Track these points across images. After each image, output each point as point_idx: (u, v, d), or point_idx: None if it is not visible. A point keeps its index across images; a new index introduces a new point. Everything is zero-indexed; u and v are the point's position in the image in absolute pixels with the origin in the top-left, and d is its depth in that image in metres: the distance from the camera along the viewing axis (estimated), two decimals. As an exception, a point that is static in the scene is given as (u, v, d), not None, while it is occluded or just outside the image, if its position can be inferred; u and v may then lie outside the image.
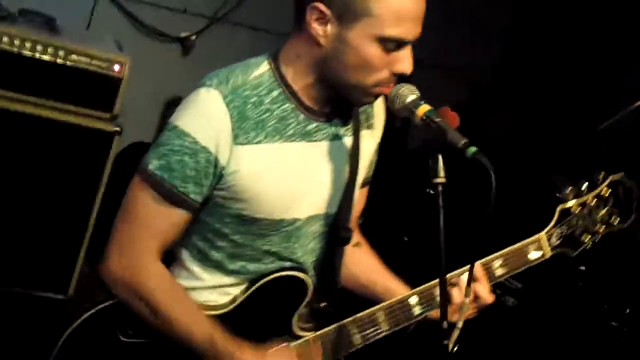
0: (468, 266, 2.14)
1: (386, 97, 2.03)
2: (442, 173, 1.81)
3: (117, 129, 3.53)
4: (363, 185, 2.28)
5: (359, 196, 2.26)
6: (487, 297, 2.16)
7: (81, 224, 3.60)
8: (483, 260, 2.19)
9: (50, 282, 3.61)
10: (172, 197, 1.92)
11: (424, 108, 1.88)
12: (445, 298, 1.82)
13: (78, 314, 2.05)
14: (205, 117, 1.90)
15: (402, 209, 4.85)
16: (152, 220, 1.95)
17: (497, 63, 5.74)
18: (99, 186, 3.58)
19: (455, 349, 1.89)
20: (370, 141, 2.23)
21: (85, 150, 3.52)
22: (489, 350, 3.93)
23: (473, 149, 1.79)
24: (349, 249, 2.28)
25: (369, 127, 2.21)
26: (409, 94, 1.92)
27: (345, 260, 2.26)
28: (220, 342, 1.98)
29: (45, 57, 3.37)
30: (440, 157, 1.82)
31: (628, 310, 3.84)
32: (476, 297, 2.16)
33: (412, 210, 4.85)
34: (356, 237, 2.35)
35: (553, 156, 5.05)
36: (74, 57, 3.41)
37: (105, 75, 3.47)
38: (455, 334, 1.89)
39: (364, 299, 2.31)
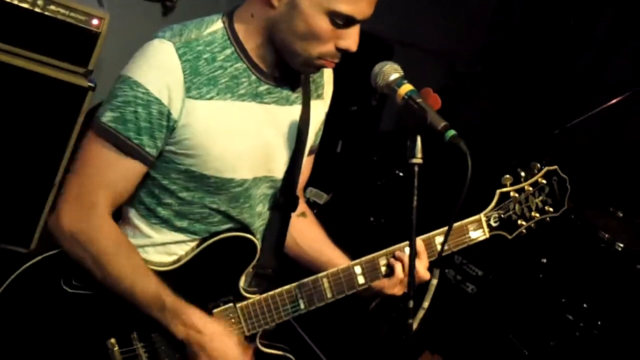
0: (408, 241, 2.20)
1: (330, 71, 2.01)
2: (419, 154, 1.82)
3: (91, 84, 3.48)
4: (310, 153, 2.29)
5: (306, 164, 2.27)
6: (424, 273, 2.17)
7: (47, 179, 3.56)
8: (425, 235, 2.23)
9: (13, 235, 3.57)
10: (127, 148, 1.92)
11: (407, 87, 1.89)
12: (413, 278, 1.83)
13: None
14: (157, 68, 1.90)
15: (370, 189, 4.86)
16: (105, 172, 1.95)
17: (483, 51, 5.76)
18: (67, 142, 3.53)
19: (414, 328, 1.89)
20: (319, 110, 2.25)
21: (57, 103, 3.46)
22: (447, 334, 3.96)
23: (452, 132, 1.80)
24: (294, 219, 2.29)
25: (319, 96, 2.23)
26: (393, 72, 1.92)
27: (290, 229, 2.29)
28: (168, 299, 1.98)
29: (24, 5, 3.30)
30: (418, 138, 1.82)
31: (585, 306, 3.89)
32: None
33: (380, 191, 4.87)
34: (301, 206, 2.37)
35: (522, 149, 5.09)
36: (52, 7, 3.35)
37: (83, 28, 3.42)
38: (420, 314, 1.91)
39: (306, 267, 2.34)
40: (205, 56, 1.95)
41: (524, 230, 2.38)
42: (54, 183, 3.56)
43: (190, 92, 1.92)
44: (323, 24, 1.90)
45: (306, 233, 2.37)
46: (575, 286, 3.99)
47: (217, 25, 2.01)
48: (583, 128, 4.47)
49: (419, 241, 2.20)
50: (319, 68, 2.02)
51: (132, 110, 1.89)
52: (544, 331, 3.94)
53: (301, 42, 1.93)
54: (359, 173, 4.82)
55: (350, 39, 1.94)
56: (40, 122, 3.48)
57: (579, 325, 3.86)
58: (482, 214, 2.32)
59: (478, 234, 2.31)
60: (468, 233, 2.30)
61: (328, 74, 2.26)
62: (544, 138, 4.64)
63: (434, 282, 1.88)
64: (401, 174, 4.77)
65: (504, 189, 2.35)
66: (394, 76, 1.91)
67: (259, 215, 2.17)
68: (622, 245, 3.86)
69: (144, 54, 1.93)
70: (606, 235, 3.90)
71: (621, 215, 4.20)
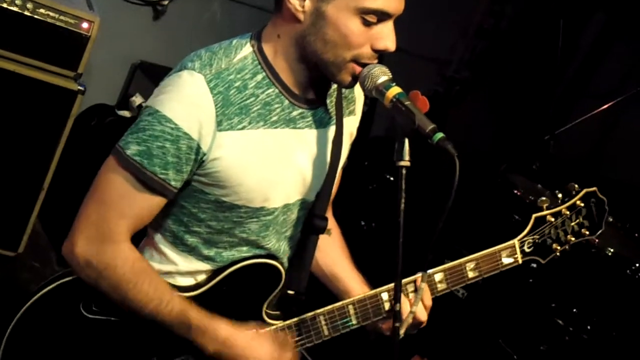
0: (444, 265, 2.21)
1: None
2: (407, 157, 1.79)
3: (81, 88, 3.48)
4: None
5: (336, 179, 2.23)
6: (421, 315, 2.13)
7: (36, 182, 3.55)
8: (456, 262, 2.21)
9: (1, 238, 3.55)
10: (152, 184, 1.86)
11: (395, 90, 1.85)
12: (400, 279, 1.82)
13: (39, 288, 2.00)
14: (188, 103, 1.83)
15: (361, 194, 4.85)
16: (127, 204, 1.89)
17: (472, 57, 5.77)
18: (57, 145, 3.53)
19: (402, 332, 1.88)
20: (351, 126, 2.20)
21: (46, 107, 3.46)
22: (437, 339, 3.95)
23: (440, 134, 1.77)
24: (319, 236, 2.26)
25: (351, 112, 2.18)
26: (381, 74, 1.87)
27: None
28: (194, 317, 1.94)
29: (13, 9, 3.30)
30: (406, 141, 1.79)
31: (575, 310, 3.89)
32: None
33: (371, 195, 4.86)
34: (329, 222, 2.32)
35: (513, 154, 5.10)
36: (42, 10, 3.34)
37: (72, 32, 3.41)
38: (410, 317, 1.89)
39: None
40: (236, 84, 1.88)
41: (558, 254, 2.33)
42: (42, 187, 3.55)
43: (222, 125, 1.85)
44: (354, 25, 1.82)
45: (328, 253, 2.31)
46: (565, 291, 3.98)
47: (247, 49, 1.93)
48: (573, 134, 4.49)
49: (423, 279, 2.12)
50: (355, 77, 1.91)
51: (160, 145, 1.82)
52: (534, 336, 3.93)
53: (334, 49, 1.85)
54: (350, 178, 4.82)
55: (387, 38, 1.85)
56: (29, 126, 3.47)
57: (569, 329, 3.85)
58: (516, 240, 2.28)
59: (511, 260, 2.27)
60: (501, 259, 2.26)
61: (358, 87, 2.13)
62: (533, 144, 4.65)
63: (423, 285, 1.87)
64: (392, 178, 4.76)
65: (540, 214, 2.29)
66: (382, 79, 1.87)
67: (287, 239, 2.12)
68: (612, 250, 3.86)
69: (173, 86, 1.86)
70: (596, 240, 3.89)
71: (611, 220, 4.19)
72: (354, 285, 2.24)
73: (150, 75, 4.31)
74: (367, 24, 1.83)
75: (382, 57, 1.93)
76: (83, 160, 3.65)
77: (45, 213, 3.70)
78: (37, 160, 3.53)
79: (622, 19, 5.38)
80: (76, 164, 3.72)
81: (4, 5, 3.28)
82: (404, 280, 2.11)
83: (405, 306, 2.07)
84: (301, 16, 1.85)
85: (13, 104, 3.42)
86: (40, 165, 3.54)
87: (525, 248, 2.28)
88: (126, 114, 4.03)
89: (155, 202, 1.90)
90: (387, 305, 2.14)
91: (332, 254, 2.31)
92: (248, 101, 1.89)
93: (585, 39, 5.59)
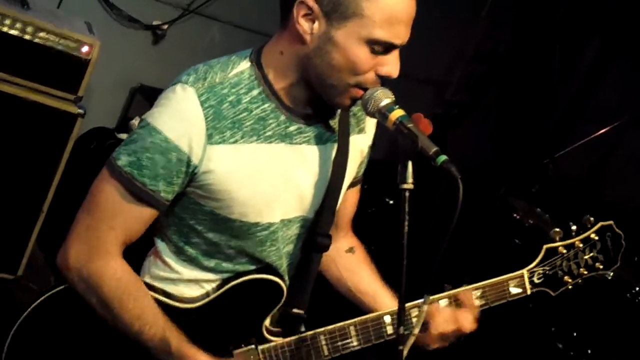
0: (449, 292, 2.18)
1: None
2: (410, 179, 1.78)
3: (81, 111, 3.48)
4: (352, 185, 2.25)
5: (349, 197, 2.24)
6: (468, 324, 2.15)
7: (35, 206, 3.54)
8: (462, 289, 2.18)
9: (0, 261, 3.54)
10: (141, 195, 1.87)
11: (398, 113, 1.86)
12: (403, 302, 1.81)
13: (36, 296, 2.00)
14: (178, 115, 1.85)
15: (360, 217, 4.84)
16: (117, 215, 1.90)
17: (470, 80, 5.79)
18: (56, 168, 3.53)
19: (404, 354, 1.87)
20: (360, 144, 2.18)
21: (46, 130, 3.47)
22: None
23: (443, 157, 1.78)
24: (343, 255, 2.28)
25: (360, 130, 2.16)
26: (384, 97, 1.88)
27: (338, 266, 2.28)
28: (174, 345, 1.93)
29: (13, 32, 3.31)
30: (410, 163, 1.79)
31: (575, 334, 3.88)
32: (458, 324, 2.15)
33: (370, 219, 4.85)
34: (351, 240, 2.34)
35: (511, 177, 5.10)
36: (42, 34, 3.36)
37: (72, 55, 3.43)
38: (411, 340, 1.88)
39: (336, 307, 2.28)
40: (230, 99, 1.89)
41: (569, 287, 2.28)
42: (42, 210, 3.55)
43: (213, 139, 1.86)
44: (361, 53, 1.83)
45: (355, 272, 2.31)
46: (565, 315, 3.97)
47: (244, 65, 1.94)
48: (572, 157, 4.50)
49: (468, 291, 2.17)
50: (354, 100, 1.93)
51: (150, 157, 1.85)
52: None
53: (339, 74, 1.86)
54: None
55: (391, 64, 1.87)
56: (29, 149, 3.47)
57: (569, 353, 3.84)
58: (525, 270, 2.23)
59: (519, 290, 2.22)
60: (508, 288, 2.22)
61: None
62: (532, 167, 4.66)
63: (425, 308, 1.85)
64: (391, 202, 4.76)
65: (552, 245, 2.25)
66: (385, 102, 1.87)
67: (287, 255, 2.11)
68: (611, 273, 3.85)
69: (165, 100, 1.88)
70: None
71: (610, 243, 4.19)
72: (385, 300, 2.23)
73: (150, 98, 4.31)
74: (374, 52, 1.85)
75: (382, 80, 1.94)
76: (83, 184, 3.63)
77: (44, 236, 3.68)
78: (37, 184, 3.53)
79: (618, 43, 5.41)
80: (76, 187, 3.70)
81: (4, 29, 3.29)
82: (408, 305, 2.09)
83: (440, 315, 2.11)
84: (308, 38, 1.86)
85: (13, 127, 3.42)
86: (40, 189, 3.53)
87: (535, 279, 2.23)
88: (126, 137, 4.04)
89: (145, 214, 1.92)
90: (389, 329, 2.13)
91: (360, 272, 2.32)
92: (241, 116, 1.90)
93: (583, 62, 5.62)
